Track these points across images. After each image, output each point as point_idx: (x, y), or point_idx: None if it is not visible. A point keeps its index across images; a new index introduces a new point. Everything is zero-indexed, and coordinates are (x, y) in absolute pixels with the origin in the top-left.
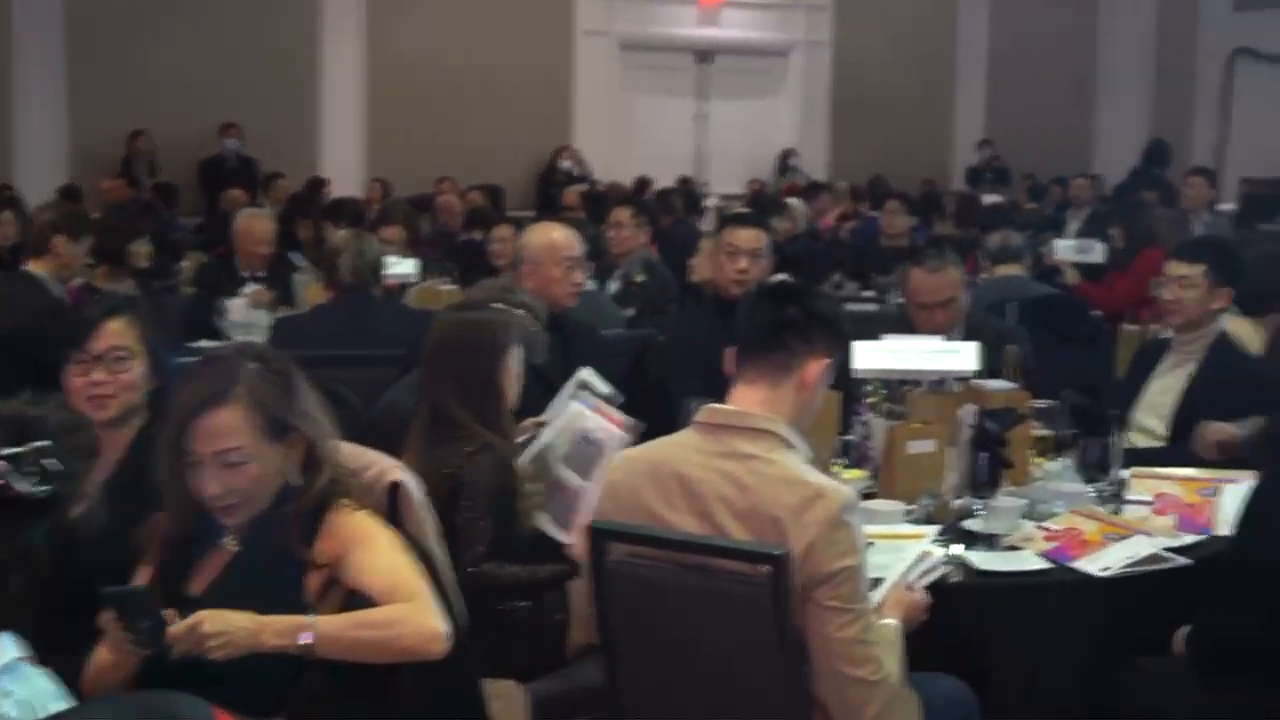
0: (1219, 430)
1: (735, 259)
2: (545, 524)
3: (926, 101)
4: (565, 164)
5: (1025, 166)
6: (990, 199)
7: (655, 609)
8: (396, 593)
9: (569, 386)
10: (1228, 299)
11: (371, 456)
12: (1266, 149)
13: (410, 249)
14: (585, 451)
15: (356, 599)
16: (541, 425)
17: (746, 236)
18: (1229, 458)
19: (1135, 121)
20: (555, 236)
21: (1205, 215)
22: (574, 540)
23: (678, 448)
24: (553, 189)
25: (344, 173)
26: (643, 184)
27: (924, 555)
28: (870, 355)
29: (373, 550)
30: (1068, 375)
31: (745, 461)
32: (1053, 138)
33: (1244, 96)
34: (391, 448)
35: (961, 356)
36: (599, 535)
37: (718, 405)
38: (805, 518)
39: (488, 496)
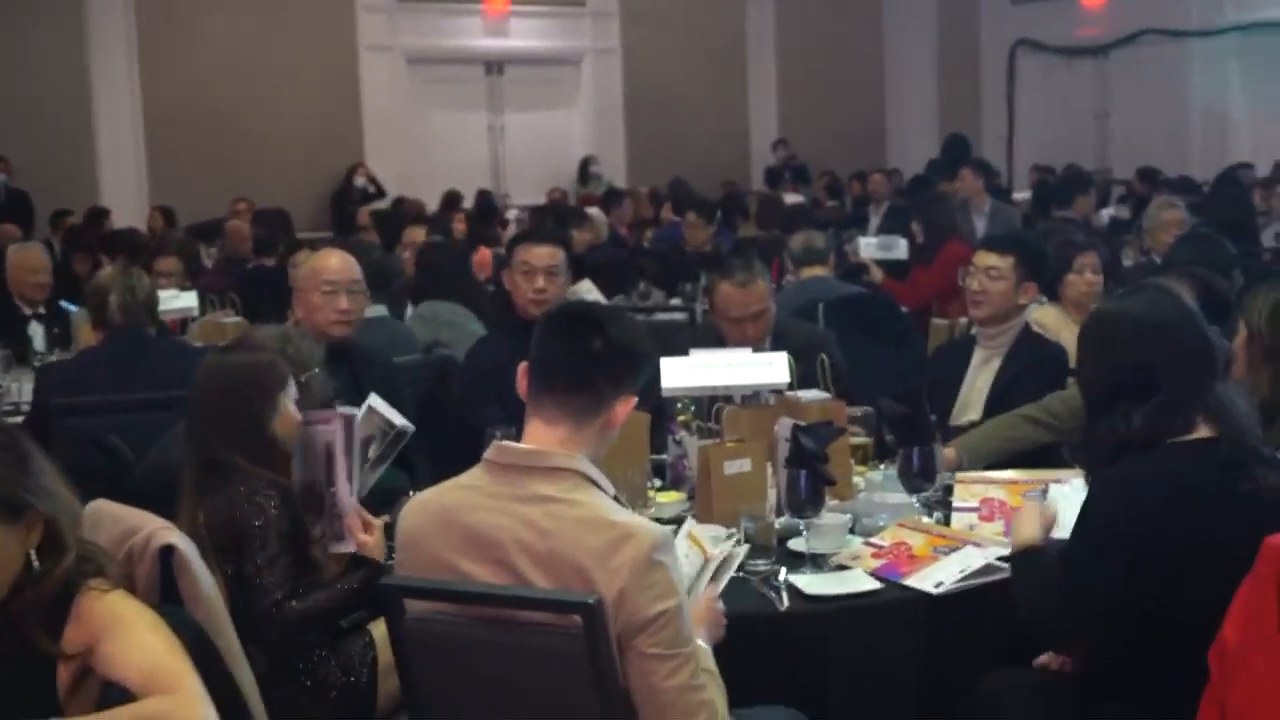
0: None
1: (532, 278)
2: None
3: (720, 102)
4: (360, 181)
5: (823, 164)
6: (792, 199)
7: (462, 668)
8: (156, 683)
9: (356, 415)
10: (1033, 292)
11: (140, 518)
12: (1050, 137)
13: (189, 280)
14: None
15: (114, 692)
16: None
17: (542, 254)
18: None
19: (926, 114)
20: (324, 263)
21: (986, 205)
22: (358, 539)
23: (465, 491)
24: (350, 207)
25: (125, 202)
26: (453, 199)
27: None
28: (679, 373)
29: (128, 636)
30: (881, 375)
31: (543, 504)
32: (847, 134)
33: (1026, 87)
34: (166, 503)
35: (773, 369)
36: (391, 592)
37: (509, 443)
38: (613, 562)
39: (281, 537)
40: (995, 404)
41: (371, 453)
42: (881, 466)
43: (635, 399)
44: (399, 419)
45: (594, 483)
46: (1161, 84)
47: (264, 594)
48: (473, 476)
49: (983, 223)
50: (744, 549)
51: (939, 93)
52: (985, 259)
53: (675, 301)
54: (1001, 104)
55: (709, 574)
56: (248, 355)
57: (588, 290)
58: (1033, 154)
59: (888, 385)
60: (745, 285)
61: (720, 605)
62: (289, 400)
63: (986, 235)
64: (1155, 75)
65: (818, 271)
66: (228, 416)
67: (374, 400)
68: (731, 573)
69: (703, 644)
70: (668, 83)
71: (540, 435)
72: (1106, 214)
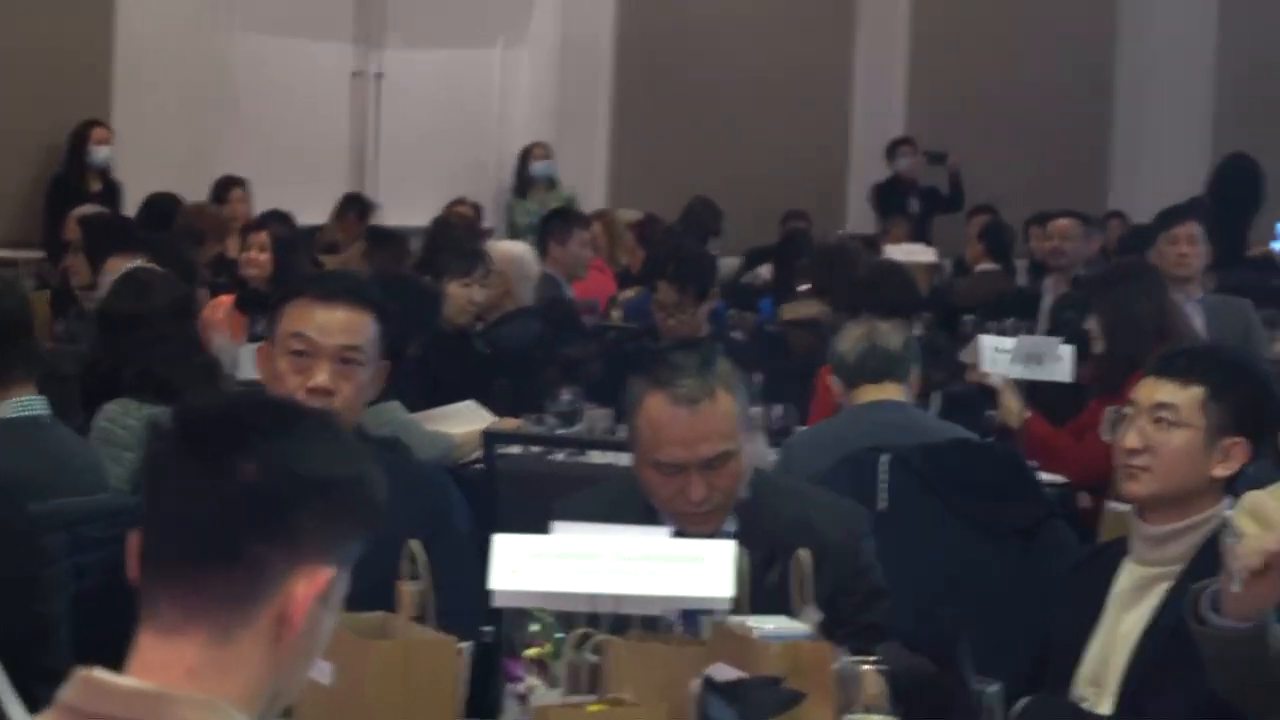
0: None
1: (308, 365)
2: None
3: (795, 66)
4: (100, 154)
5: (985, 191)
6: (907, 252)
7: None
8: None
9: None
10: (1243, 457)
11: None
12: None
13: None
14: None
15: None
16: None
17: (330, 323)
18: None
19: (1194, 116)
20: None
21: (1199, 293)
22: None
23: None
24: (77, 203)
25: None
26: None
27: None
28: (522, 568)
29: None
30: (982, 599)
31: None
32: (1036, 143)
33: None
34: None
35: (705, 570)
36: None
37: (102, 677)
38: None
39: None
40: (1147, 675)
41: None
42: None
43: (330, 573)
44: (14, 709)
45: None
46: None
47: None
48: None
49: (1201, 321)
50: None
51: (1219, 78)
52: (1153, 391)
53: (627, 431)
54: None
55: None
56: None
57: (465, 414)
58: None
59: (993, 617)
60: (694, 405)
61: None
62: None
63: (1168, 350)
64: None
65: (889, 393)
66: None
67: None
68: None
69: None
70: (698, 19)
71: (155, 659)
72: None
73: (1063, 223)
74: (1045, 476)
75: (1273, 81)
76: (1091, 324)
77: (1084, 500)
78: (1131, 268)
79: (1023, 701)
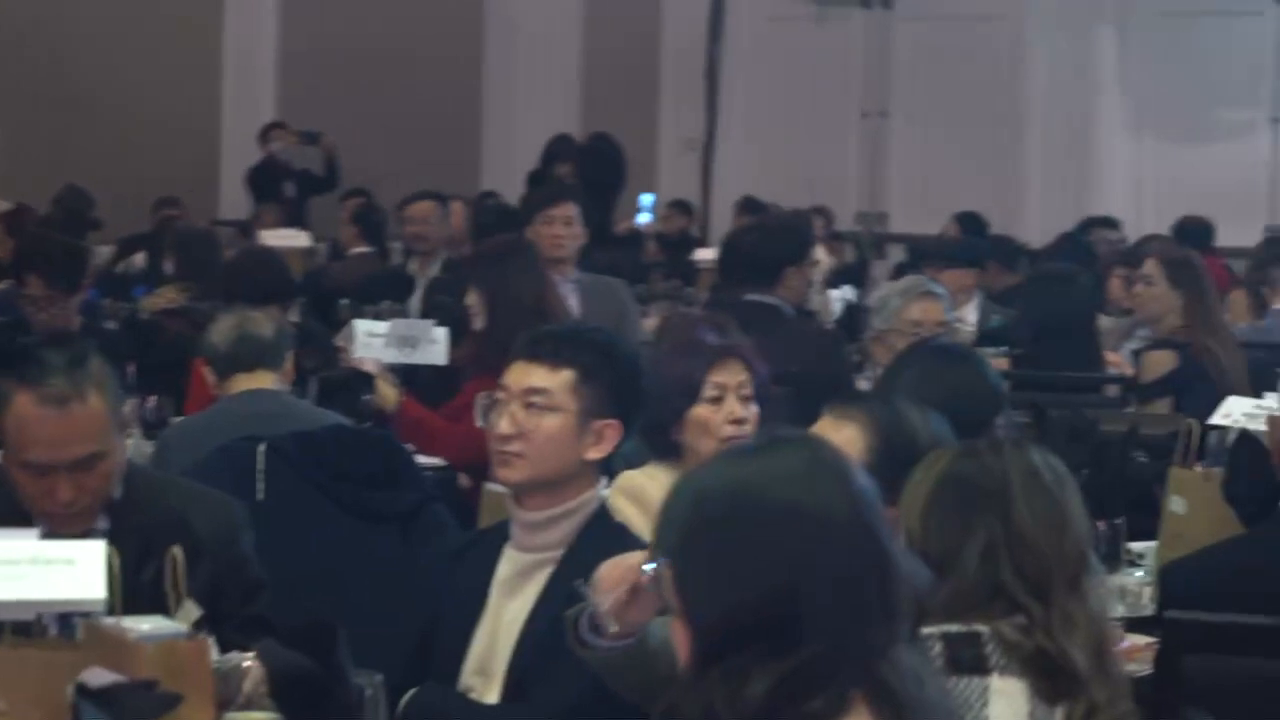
0: None
1: None
2: None
3: (163, 42)
4: None
5: (362, 174)
6: (284, 237)
7: None
8: None
9: None
10: (614, 439)
11: None
12: (782, 148)
13: None
14: None
15: None
16: None
17: None
18: None
19: (558, 96)
20: None
21: (573, 271)
22: None
23: None
24: None
25: None
26: None
27: None
28: None
29: None
30: (364, 587)
31: None
32: (408, 123)
33: (744, 51)
34: None
35: (76, 573)
36: None
37: None
38: None
39: None
40: (532, 662)
41: None
42: None
43: None
44: None
45: None
46: (985, 59)
47: None
48: None
49: (576, 302)
50: None
51: (585, 60)
52: (524, 375)
53: None
54: (696, 81)
55: None
56: None
57: None
58: (751, 177)
59: (376, 606)
60: (63, 405)
61: None
62: None
63: (537, 334)
64: (976, 44)
65: (263, 382)
66: None
67: None
68: None
69: None
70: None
71: None
72: (838, 298)
73: (421, 206)
74: (424, 460)
75: (635, 62)
76: (472, 299)
77: (464, 481)
78: (510, 244)
79: (411, 693)
